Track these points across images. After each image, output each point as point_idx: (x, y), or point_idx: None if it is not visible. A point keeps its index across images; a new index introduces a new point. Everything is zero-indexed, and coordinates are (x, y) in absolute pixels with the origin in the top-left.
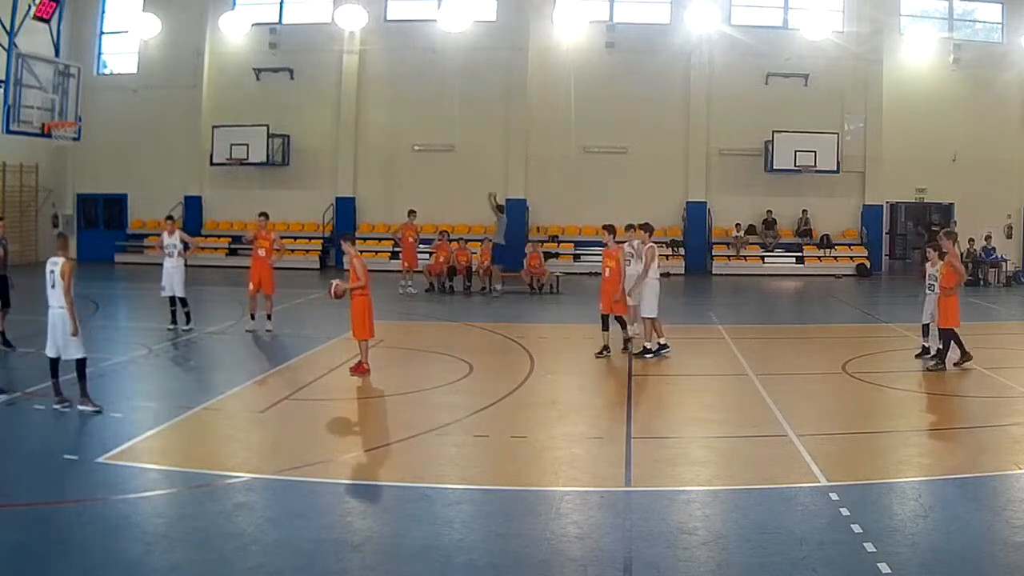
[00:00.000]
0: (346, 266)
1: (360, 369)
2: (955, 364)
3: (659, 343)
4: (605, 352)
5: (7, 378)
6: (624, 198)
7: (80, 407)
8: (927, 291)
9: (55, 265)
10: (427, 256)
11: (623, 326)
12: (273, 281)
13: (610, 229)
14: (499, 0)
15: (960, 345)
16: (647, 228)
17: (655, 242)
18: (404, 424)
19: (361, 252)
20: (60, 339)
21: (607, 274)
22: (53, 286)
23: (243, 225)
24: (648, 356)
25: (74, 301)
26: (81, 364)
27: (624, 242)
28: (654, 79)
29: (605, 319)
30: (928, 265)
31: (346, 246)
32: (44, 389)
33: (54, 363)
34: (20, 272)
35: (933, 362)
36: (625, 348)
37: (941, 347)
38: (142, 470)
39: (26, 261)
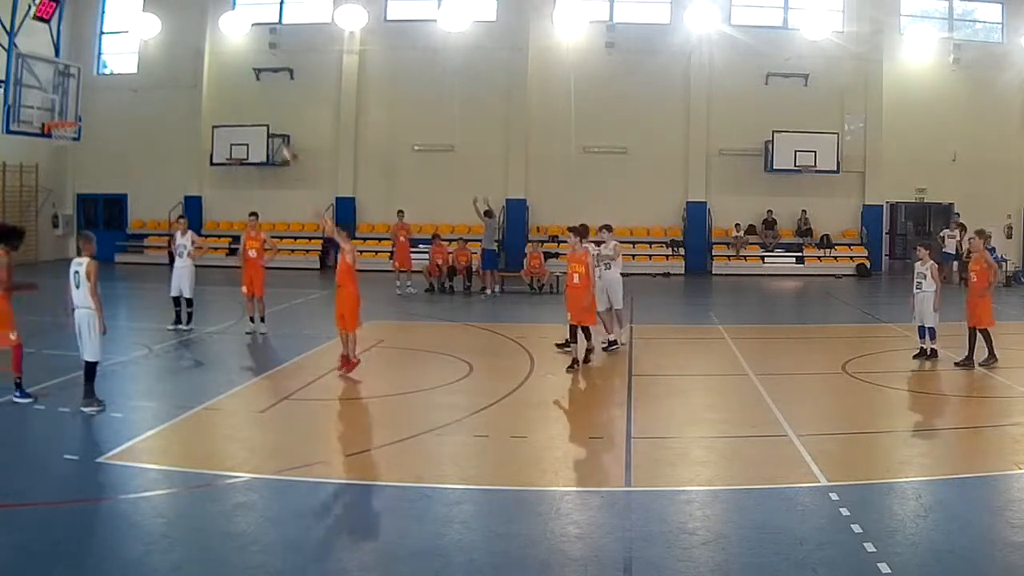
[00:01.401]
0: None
1: (350, 364)
2: (978, 363)
3: (567, 339)
4: (575, 366)
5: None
6: (624, 198)
7: (82, 408)
8: (915, 290)
9: (79, 266)
10: (425, 257)
11: (588, 337)
12: (264, 283)
13: (576, 231)
14: (499, 0)
15: (989, 345)
16: (574, 231)
17: (625, 242)
18: (404, 424)
19: (361, 252)
20: (84, 339)
21: (575, 280)
22: (78, 287)
23: (242, 226)
24: (614, 348)
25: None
26: (92, 367)
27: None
28: (654, 79)
29: (574, 330)
30: (918, 264)
31: (340, 237)
32: (43, 389)
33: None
34: (21, 272)
35: (985, 360)
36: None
37: (987, 349)
38: (142, 470)
39: (27, 261)
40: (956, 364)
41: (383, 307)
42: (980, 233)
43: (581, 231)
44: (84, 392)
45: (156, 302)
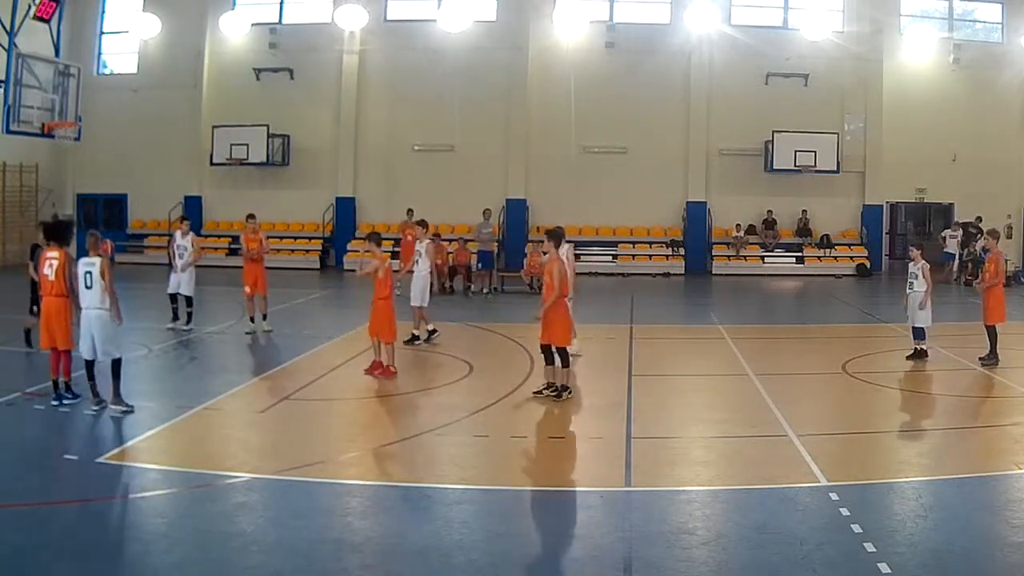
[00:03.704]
0: (348, 267)
1: (387, 371)
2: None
3: (429, 330)
4: (566, 392)
5: (9, 378)
6: (624, 198)
7: (112, 406)
8: (907, 289)
9: (91, 266)
10: None
11: (565, 362)
12: (266, 281)
13: (554, 235)
14: (499, 0)
15: (993, 344)
16: (550, 234)
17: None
18: (404, 424)
19: (361, 252)
20: (97, 340)
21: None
22: (89, 287)
23: (242, 225)
24: (418, 343)
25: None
26: (117, 364)
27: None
28: (654, 79)
29: (552, 351)
30: (911, 264)
31: (371, 246)
32: (44, 389)
33: (89, 365)
34: (19, 272)
35: (985, 356)
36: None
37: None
38: (142, 470)
39: (26, 262)
40: (981, 359)
41: None
42: (992, 233)
43: (556, 235)
44: (112, 391)
45: (156, 302)
